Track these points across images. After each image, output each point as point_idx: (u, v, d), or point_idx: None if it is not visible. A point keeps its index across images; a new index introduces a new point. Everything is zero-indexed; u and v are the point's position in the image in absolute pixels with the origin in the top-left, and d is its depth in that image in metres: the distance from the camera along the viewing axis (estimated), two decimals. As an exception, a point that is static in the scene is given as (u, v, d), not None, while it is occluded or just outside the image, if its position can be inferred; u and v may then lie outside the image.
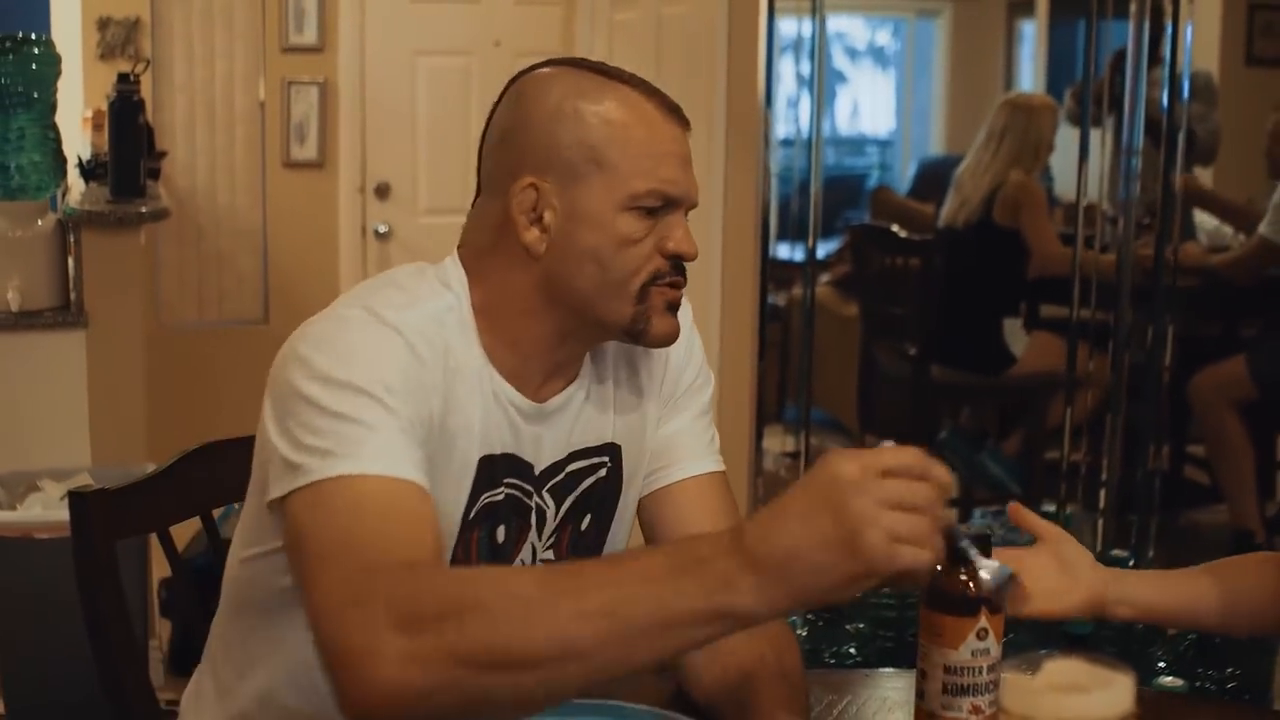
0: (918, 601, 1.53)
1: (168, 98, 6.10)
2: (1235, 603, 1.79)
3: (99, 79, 5.67)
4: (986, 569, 1.35)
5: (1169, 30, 4.55)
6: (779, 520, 1.27)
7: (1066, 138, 5.19)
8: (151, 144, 4.85)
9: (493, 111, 1.71)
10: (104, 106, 4.47)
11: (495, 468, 1.66)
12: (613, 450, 1.77)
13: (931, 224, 5.53)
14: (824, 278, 5.98)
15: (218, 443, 2.03)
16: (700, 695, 1.69)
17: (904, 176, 8.15)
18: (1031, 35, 7.54)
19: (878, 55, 9.02)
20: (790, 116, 5.51)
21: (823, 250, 5.95)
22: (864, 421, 5.86)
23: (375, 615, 1.32)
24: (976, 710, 1.51)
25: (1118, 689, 1.13)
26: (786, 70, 5.41)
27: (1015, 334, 5.42)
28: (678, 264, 1.66)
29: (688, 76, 4.81)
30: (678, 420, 1.83)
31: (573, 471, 1.74)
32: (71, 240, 4.09)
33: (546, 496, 1.72)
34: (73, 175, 4.57)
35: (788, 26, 5.22)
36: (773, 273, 5.25)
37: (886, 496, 1.25)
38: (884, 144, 8.91)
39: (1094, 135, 4.87)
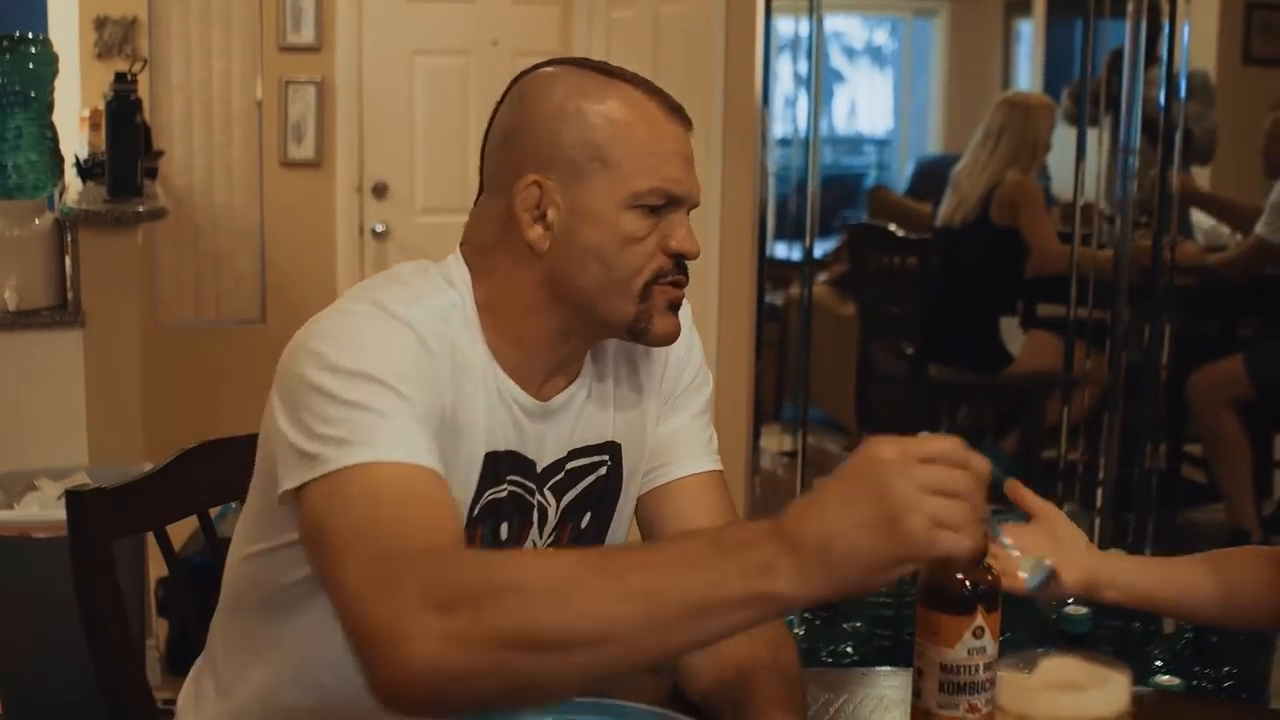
0: (914, 600, 1.54)
1: (165, 97, 6.10)
2: (1232, 594, 1.79)
3: (96, 78, 5.67)
4: (1025, 563, 1.35)
5: (1166, 29, 4.55)
6: (818, 504, 1.27)
7: (1064, 137, 5.19)
8: (149, 143, 4.85)
9: (495, 111, 1.72)
10: (101, 106, 4.46)
11: (499, 465, 1.66)
12: (613, 448, 1.78)
13: (929, 223, 5.53)
14: (821, 277, 5.98)
15: (215, 442, 2.03)
16: (697, 694, 1.69)
17: (901, 176, 8.15)
18: (1029, 35, 7.54)
19: (875, 55, 9.02)
20: (788, 116, 5.52)
21: (820, 249, 5.95)
22: (861, 420, 5.86)
23: (410, 596, 1.31)
24: (973, 709, 1.51)
25: (1113, 687, 1.13)
26: (784, 69, 5.42)
27: (1012, 333, 5.42)
28: (680, 263, 1.66)
29: (685, 75, 4.81)
30: (677, 419, 1.83)
31: (573, 469, 1.74)
32: (69, 239, 4.09)
33: (548, 494, 1.72)
34: (70, 174, 4.57)
35: (785, 26, 5.23)
36: (770, 272, 5.25)
37: (928, 482, 1.25)
38: (881, 143, 8.91)
39: (1091, 134, 4.87)
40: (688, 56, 4.97)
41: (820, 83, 4.97)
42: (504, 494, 1.67)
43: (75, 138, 5.32)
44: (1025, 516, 1.85)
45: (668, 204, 1.64)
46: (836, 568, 1.25)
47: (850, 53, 8.91)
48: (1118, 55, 4.71)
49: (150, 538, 2.01)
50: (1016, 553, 1.35)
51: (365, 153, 6.49)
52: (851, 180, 8.22)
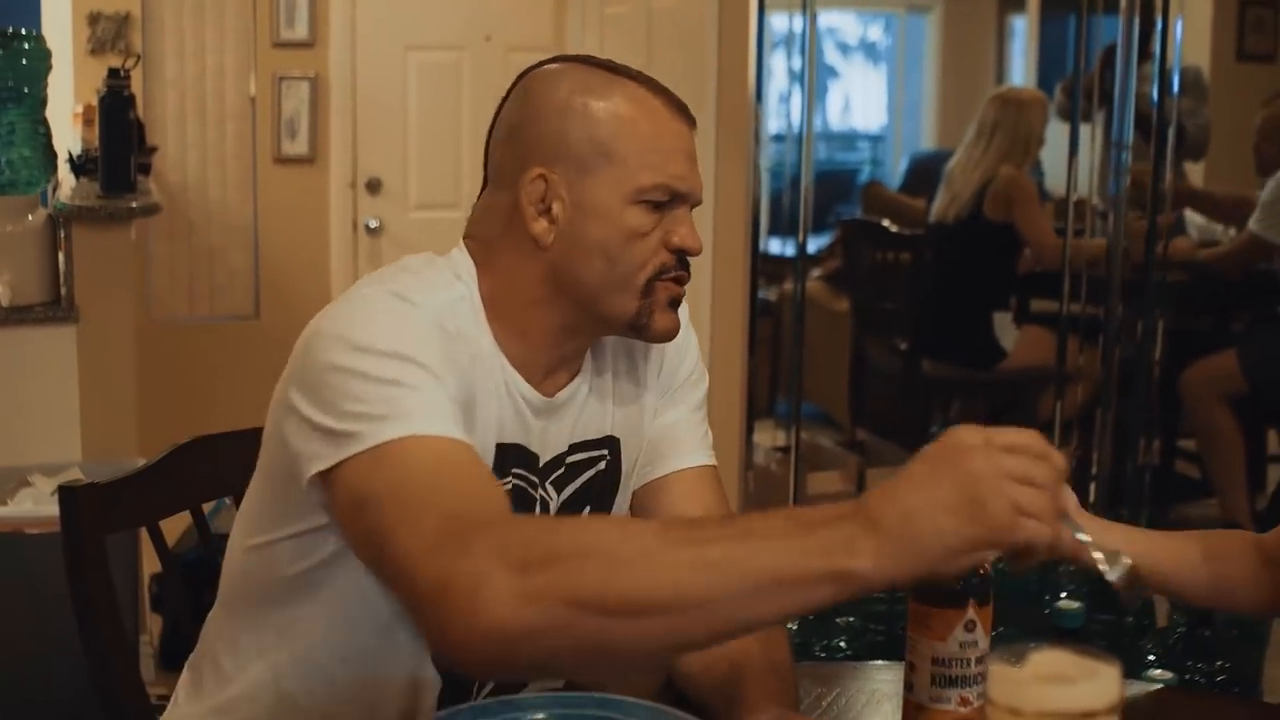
0: (906, 595, 1.54)
1: (158, 93, 6.09)
2: (1222, 581, 1.79)
3: (89, 74, 5.66)
4: (1104, 557, 1.35)
5: (1159, 25, 4.56)
6: (902, 485, 1.28)
7: (1057, 133, 5.20)
8: (142, 139, 4.84)
9: (500, 107, 1.72)
10: (94, 102, 4.45)
11: (506, 457, 1.67)
12: (612, 443, 1.79)
13: (922, 219, 5.53)
14: (815, 272, 5.98)
15: (208, 437, 2.02)
16: (689, 688, 1.69)
17: (895, 172, 8.15)
18: (1023, 30, 7.53)
19: (869, 50, 9.01)
20: (782, 111, 5.51)
21: (814, 245, 5.95)
22: (855, 416, 5.86)
23: (484, 555, 1.31)
24: (964, 701, 1.52)
25: (1104, 680, 1.13)
26: (778, 65, 5.41)
27: (1006, 328, 5.43)
28: (682, 259, 1.67)
29: (678, 71, 4.81)
30: (673, 413, 1.84)
31: (573, 463, 1.75)
32: (62, 235, 4.09)
33: (549, 488, 1.73)
34: (63, 170, 4.56)
35: (779, 22, 5.23)
36: (764, 268, 5.25)
37: (1011, 469, 1.26)
38: (875, 139, 8.90)
39: (1084, 130, 4.88)
40: (681, 52, 4.98)
41: (814, 78, 4.96)
42: (509, 487, 1.67)
43: (68, 133, 5.31)
44: None
45: (671, 200, 1.65)
46: (917, 548, 1.25)
47: (844, 48, 8.90)
48: (1111, 51, 4.72)
49: (144, 533, 2.01)
50: (1098, 553, 1.35)
51: (359, 148, 6.49)
52: (845, 176, 8.21)
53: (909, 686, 1.56)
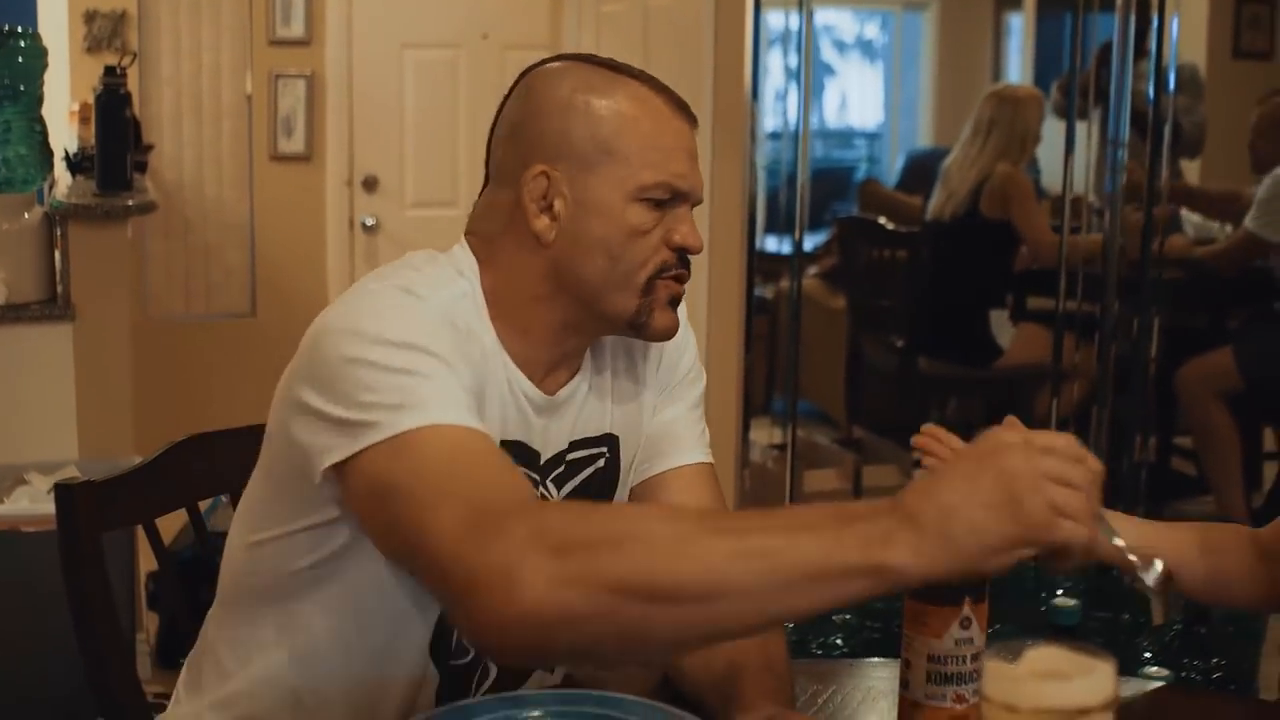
0: (903, 592, 1.54)
1: (155, 91, 6.09)
2: (1218, 575, 1.79)
3: (86, 72, 5.66)
4: (1140, 564, 1.36)
5: (1155, 23, 4.56)
6: (940, 481, 1.29)
7: (1053, 130, 5.20)
8: (138, 137, 4.84)
9: (502, 105, 1.73)
10: (91, 99, 4.45)
11: (508, 454, 1.67)
12: (611, 440, 1.79)
13: (919, 217, 5.53)
14: (811, 270, 5.98)
15: (204, 435, 2.03)
16: (686, 685, 1.70)
17: (892, 169, 8.15)
18: (1019, 28, 7.54)
19: (866, 48, 9.01)
20: (778, 109, 5.51)
21: (811, 243, 5.96)
22: (851, 413, 5.87)
23: (520, 540, 1.31)
24: (960, 699, 1.52)
25: (1099, 676, 1.13)
26: (775, 63, 5.42)
27: (1002, 326, 5.43)
28: (683, 257, 1.68)
29: (675, 69, 4.80)
30: (671, 410, 1.84)
31: (573, 461, 1.75)
32: (58, 233, 4.09)
33: (550, 485, 1.73)
34: (59, 168, 4.56)
35: (776, 19, 5.23)
36: (761, 265, 5.26)
37: (1048, 469, 1.27)
38: (872, 137, 8.90)
39: (1080, 128, 4.88)
40: (677, 50, 4.98)
41: (810, 76, 4.96)
42: None
43: (65, 132, 5.31)
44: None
45: (673, 199, 1.65)
46: (955, 544, 1.25)
47: (841, 46, 8.90)
48: (1107, 48, 4.72)
49: (141, 532, 2.01)
50: (1133, 556, 1.35)
51: (355, 146, 6.49)
52: (842, 174, 8.21)
53: (905, 684, 1.56)
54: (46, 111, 4.25)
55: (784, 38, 5.27)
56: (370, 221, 6.55)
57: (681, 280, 1.69)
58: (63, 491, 1.83)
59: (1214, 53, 5.75)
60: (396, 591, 1.62)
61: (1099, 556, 1.37)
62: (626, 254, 1.64)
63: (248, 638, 1.71)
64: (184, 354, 6.22)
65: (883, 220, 5.78)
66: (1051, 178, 5.42)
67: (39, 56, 4.18)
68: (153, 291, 6.18)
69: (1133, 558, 1.35)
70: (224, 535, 1.78)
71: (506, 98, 1.73)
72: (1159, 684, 1.95)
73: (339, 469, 1.49)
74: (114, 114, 4.23)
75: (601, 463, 1.78)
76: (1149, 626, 2.76)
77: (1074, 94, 4.90)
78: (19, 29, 4.16)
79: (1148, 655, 2.62)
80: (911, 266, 5.54)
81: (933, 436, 1.89)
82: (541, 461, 1.72)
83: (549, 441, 1.72)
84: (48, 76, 4.23)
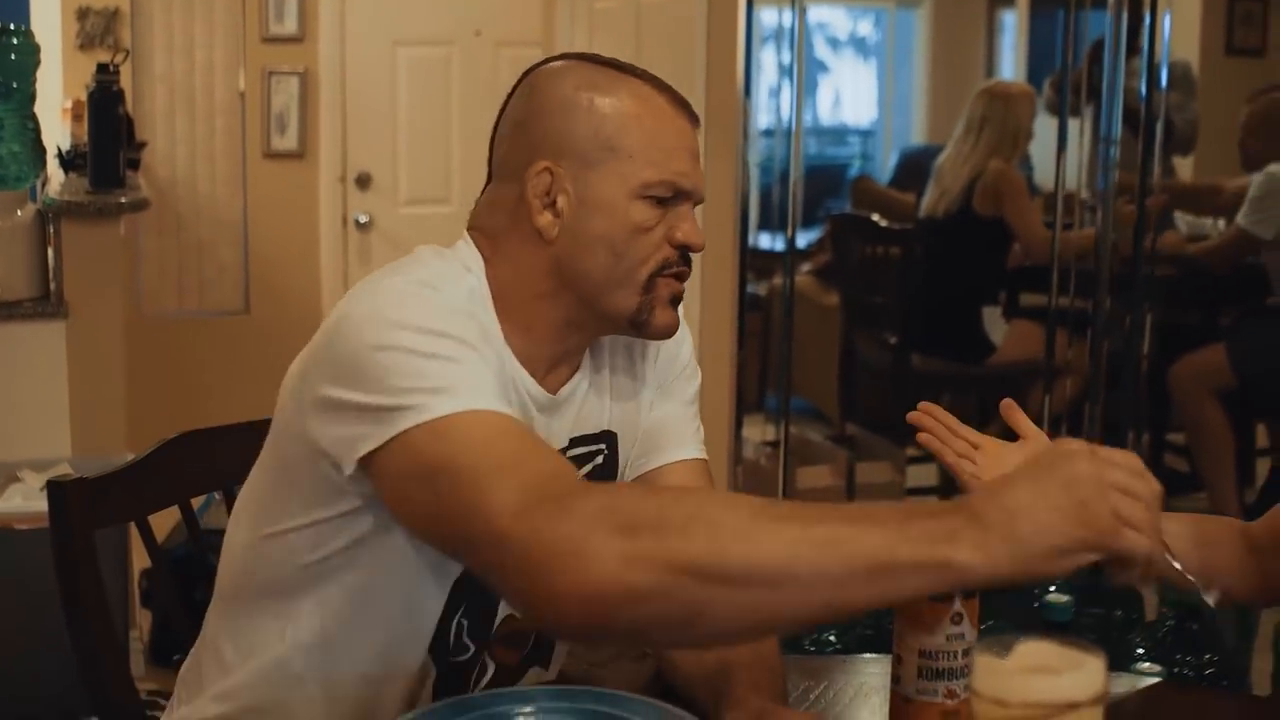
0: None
1: (147, 88, 6.09)
2: (1209, 567, 1.80)
3: (78, 69, 5.66)
4: (1200, 583, 1.38)
5: (1147, 20, 4.56)
6: (1007, 484, 1.30)
7: (1045, 127, 5.20)
8: (131, 134, 4.84)
9: (505, 103, 1.73)
10: (83, 97, 4.45)
11: None
12: (609, 438, 1.79)
13: (912, 214, 5.54)
14: (805, 267, 5.99)
15: (198, 431, 2.02)
16: (677, 680, 1.70)
17: (885, 166, 8.15)
18: (1012, 25, 7.55)
19: (859, 45, 9.01)
20: (772, 106, 5.52)
21: (804, 240, 5.96)
22: (845, 410, 5.87)
23: (587, 517, 1.32)
24: (951, 694, 1.53)
25: (1089, 671, 1.14)
26: (768, 60, 5.42)
27: (995, 322, 5.43)
28: (684, 255, 1.68)
29: (667, 66, 4.78)
30: (667, 406, 1.85)
31: (572, 458, 1.75)
32: (51, 230, 4.08)
33: None
34: (52, 166, 4.55)
35: (769, 16, 5.23)
36: (754, 262, 5.26)
37: (1115, 480, 1.29)
38: (865, 134, 8.91)
39: (1072, 125, 4.89)
40: (670, 47, 4.98)
41: (803, 73, 4.97)
42: None
43: (57, 129, 5.31)
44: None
45: (675, 197, 1.66)
46: (1020, 544, 1.26)
47: (834, 43, 8.90)
48: (1099, 46, 4.72)
49: (134, 529, 2.00)
50: (1191, 577, 1.37)
51: (348, 143, 6.49)
52: (835, 171, 8.22)
53: (896, 679, 1.57)
54: (39, 109, 4.25)
55: (777, 34, 5.27)
56: (363, 218, 6.55)
57: (682, 278, 1.69)
58: (55, 489, 1.83)
59: (1207, 49, 5.76)
60: (402, 587, 1.62)
61: (1158, 572, 1.39)
62: (629, 251, 1.64)
63: (250, 631, 1.71)
64: (177, 351, 6.21)
65: (876, 217, 5.78)
66: (1044, 174, 5.43)
67: (31, 53, 4.18)
68: (146, 289, 6.18)
69: (1191, 578, 1.37)
70: (217, 533, 1.78)
71: (509, 96, 1.73)
72: (1151, 680, 1.95)
73: (370, 457, 1.49)
74: (107, 111, 4.23)
75: (600, 460, 1.78)
76: (1141, 622, 2.76)
77: (1066, 91, 4.91)
78: (11, 26, 4.16)
79: (1140, 651, 2.62)
80: (905, 263, 5.54)
81: (928, 413, 1.90)
82: None
83: (550, 439, 1.71)
84: (40, 73, 4.23)
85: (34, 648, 3.49)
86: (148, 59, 6.07)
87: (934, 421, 1.90)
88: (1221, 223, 5.29)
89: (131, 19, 6.04)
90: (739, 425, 4.95)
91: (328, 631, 1.65)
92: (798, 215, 5.03)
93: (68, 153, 4.73)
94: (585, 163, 1.63)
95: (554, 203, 1.64)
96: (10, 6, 5.67)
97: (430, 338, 1.50)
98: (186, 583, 2.46)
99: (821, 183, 7.32)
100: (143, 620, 4.30)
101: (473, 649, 1.70)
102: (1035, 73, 6.42)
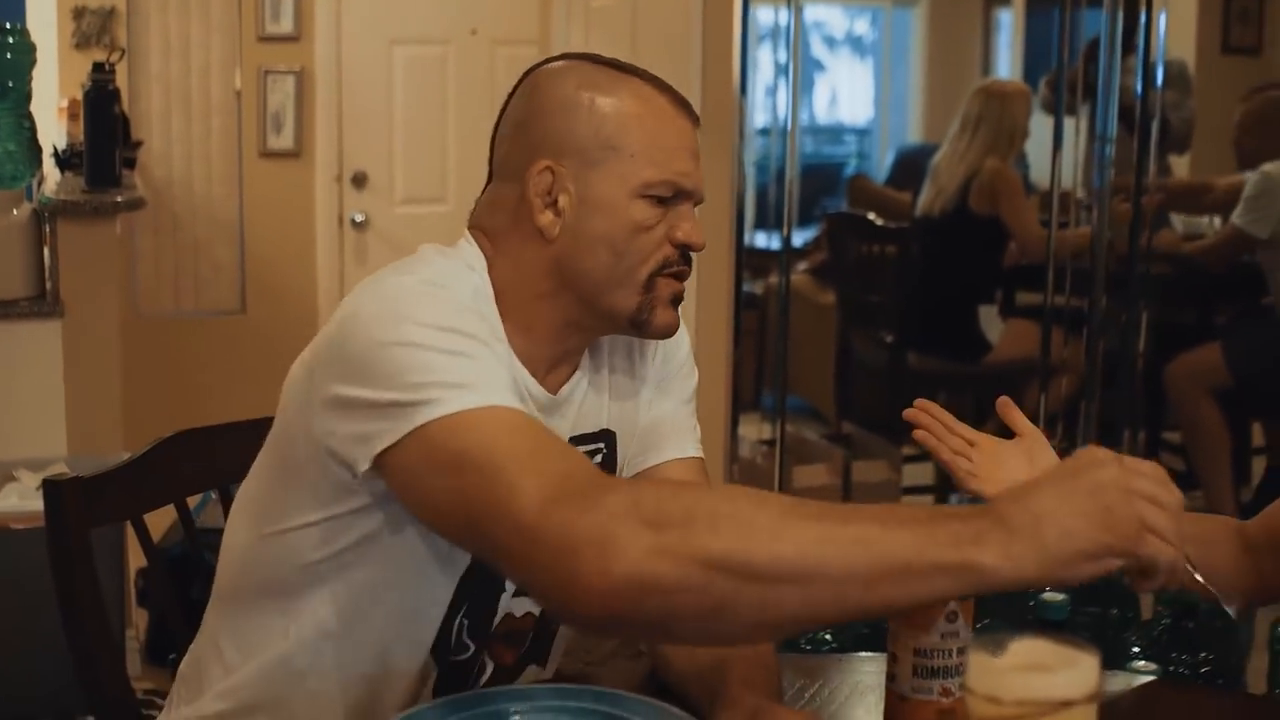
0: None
1: (144, 87, 6.09)
2: (1202, 565, 1.80)
3: (74, 68, 5.66)
4: (1222, 595, 1.39)
5: (1143, 19, 4.57)
6: (1033, 488, 1.31)
7: (1041, 126, 5.20)
8: (127, 133, 4.84)
9: (506, 102, 1.74)
10: (79, 96, 4.45)
11: None
12: (608, 436, 1.80)
13: (908, 212, 5.54)
14: (801, 266, 5.98)
15: (193, 430, 2.02)
16: (672, 678, 1.71)
17: (881, 165, 8.16)
18: (1008, 24, 7.55)
19: (855, 44, 9.01)
20: (768, 105, 5.52)
21: (800, 238, 5.96)
22: (841, 409, 5.87)
23: (616, 509, 1.32)
24: (946, 692, 1.53)
25: (1083, 669, 1.14)
26: (765, 59, 5.42)
27: (991, 321, 5.43)
28: (685, 254, 1.69)
29: (663, 65, 4.78)
30: (665, 404, 1.85)
31: None
32: (47, 230, 4.08)
33: None
34: (48, 165, 4.56)
35: (765, 15, 5.23)
36: (750, 261, 5.25)
37: (1140, 488, 1.30)
38: (862, 132, 8.90)
39: (1068, 124, 4.89)
40: (666, 45, 4.98)
41: (800, 72, 4.97)
42: None
43: (53, 128, 5.31)
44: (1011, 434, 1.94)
45: (675, 196, 1.67)
46: (1046, 548, 1.27)
47: (830, 42, 8.90)
48: (1095, 44, 4.72)
49: (130, 528, 2.00)
50: (1213, 588, 1.38)
51: (344, 142, 6.49)
52: (831, 169, 8.22)
53: (891, 678, 1.57)
54: (35, 108, 4.25)
55: (773, 33, 5.27)
56: (360, 218, 6.55)
57: (682, 278, 1.70)
58: (51, 487, 1.83)
59: (1203, 48, 5.75)
60: (408, 586, 1.62)
61: (1180, 581, 1.39)
62: (629, 250, 1.65)
63: (252, 630, 1.71)
64: (173, 350, 6.21)
65: (872, 216, 5.78)
66: (1040, 173, 5.43)
67: (27, 52, 4.18)
68: (142, 288, 6.18)
69: (1212, 589, 1.38)
70: (213, 531, 1.78)
71: (510, 96, 1.74)
72: (1146, 678, 1.95)
73: (384, 452, 1.48)
74: (103, 110, 4.23)
75: (599, 459, 1.78)
76: (1137, 621, 2.76)
77: (1062, 89, 4.91)
78: (7, 25, 4.16)
79: (1135, 650, 2.62)
80: (901, 262, 5.54)
81: (924, 410, 1.91)
82: None
83: None
84: (36, 73, 4.23)
85: (30, 647, 3.49)
86: (144, 58, 6.07)
87: (930, 419, 1.91)
88: (1217, 221, 5.29)
89: (127, 18, 6.04)
90: (735, 424, 4.95)
91: (332, 630, 1.65)
92: (794, 214, 5.03)
93: (64, 152, 4.73)
94: (587, 162, 1.64)
95: (555, 202, 1.65)
96: (6, 5, 5.66)
97: (443, 334, 1.50)
98: (182, 582, 2.46)
99: (817, 181, 7.32)
100: (139, 619, 4.30)
101: (473, 648, 1.71)
102: (1031, 71, 6.42)
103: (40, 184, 4.42)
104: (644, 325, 1.69)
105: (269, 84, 6.30)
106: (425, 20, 6.53)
